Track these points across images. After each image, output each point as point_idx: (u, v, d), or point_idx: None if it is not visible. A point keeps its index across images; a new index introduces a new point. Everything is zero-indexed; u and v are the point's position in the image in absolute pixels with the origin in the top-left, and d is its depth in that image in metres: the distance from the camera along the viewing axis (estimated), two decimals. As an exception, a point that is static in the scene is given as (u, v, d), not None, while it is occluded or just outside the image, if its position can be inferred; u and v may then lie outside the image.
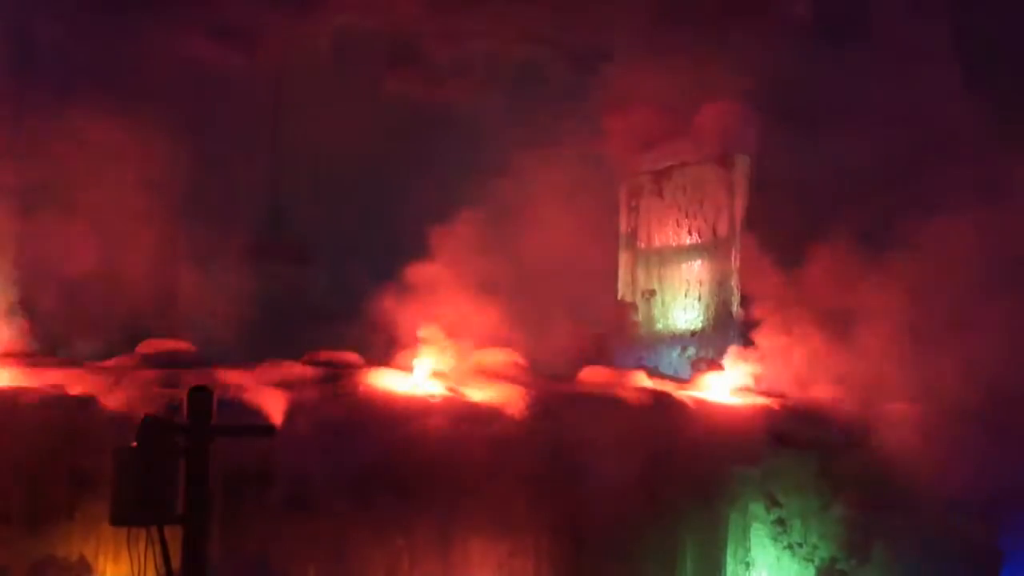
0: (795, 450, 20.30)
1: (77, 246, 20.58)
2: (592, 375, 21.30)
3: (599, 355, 22.22)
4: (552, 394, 20.03)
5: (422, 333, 20.34)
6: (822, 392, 21.09)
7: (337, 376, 19.76)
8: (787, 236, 22.35)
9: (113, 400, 18.50)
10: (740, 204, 23.71)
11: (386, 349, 20.61)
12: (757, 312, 22.29)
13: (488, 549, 18.69)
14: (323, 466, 18.24)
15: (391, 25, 25.23)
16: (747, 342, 22.22)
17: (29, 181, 20.84)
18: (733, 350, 22.20)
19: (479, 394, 19.87)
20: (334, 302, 23.93)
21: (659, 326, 24.28)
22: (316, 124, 24.48)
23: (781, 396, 21.31)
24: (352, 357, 20.53)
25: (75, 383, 18.83)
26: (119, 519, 13.06)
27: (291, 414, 18.67)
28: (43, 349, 19.97)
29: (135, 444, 13.11)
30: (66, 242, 20.74)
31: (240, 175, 23.88)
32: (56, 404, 18.18)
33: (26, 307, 20.05)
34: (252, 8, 24.13)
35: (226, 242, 23.89)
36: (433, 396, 19.66)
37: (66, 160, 20.98)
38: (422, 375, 20.11)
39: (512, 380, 20.26)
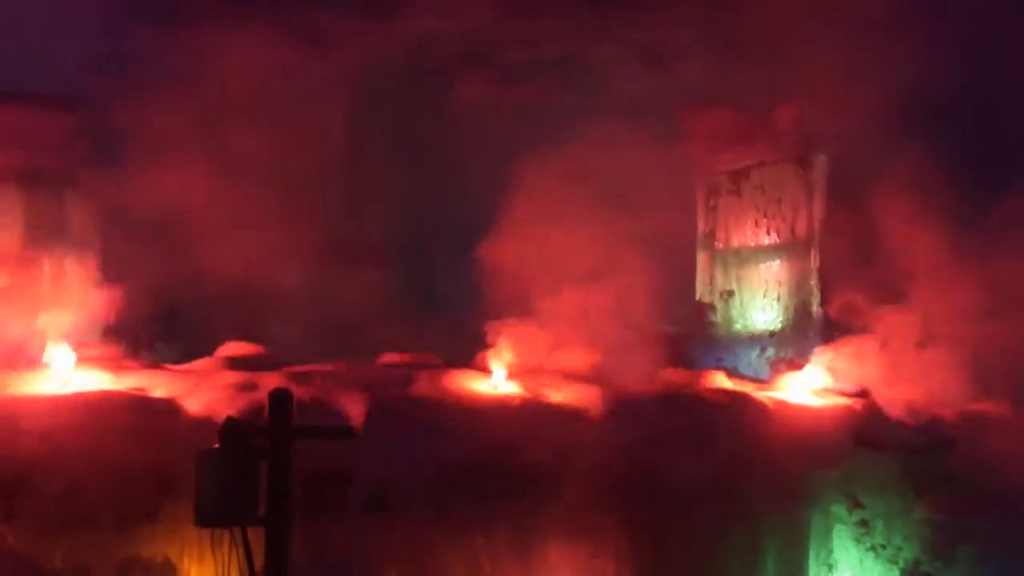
0: (877, 451, 20.13)
1: (158, 249, 20.76)
2: (670, 376, 21.21)
3: (677, 356, 22.12)
4: (631, 395, 19.97)
5: (500, 334, 20.35)
6: (905, 392, 20.88)
7: (415, 377, 19.81)
8: (868, 235, 22.15)
9: (195, 403, 18.66)
10: (819, 203, 23.56)
11: (464, 350, 20.64)
12: (837, 312, 22.11)
13: (568, 551, 18.66)
14: (403, 468, 18.29)
15: (464, 28, 25.27)
16: (827, 342, 22.04)
17: (113, 184, 21.06)
18: (813, 350, 22.04)
19: (558, 395, 19.84)
20: (411, 303, 24.02)
21: (737, 327, 24.16)
22: (391, 126, 24.57)
23: (863, 396, 21.13)
24: (430, 358, 20.58)
25: (157, 386, 19.02)
26: (203, 520, 13.20)
27: (370, 415, 18.74)
28: (126, 352, 20.16)
29: (217, 446, 13.23)
30: (147, 245, 20.93)
31: (317, 177, 23.99)
32: (139, 407, 18.37)
33: (110, 310, 20.25)
34: (327, 12, 24.25)
35: (304, 244, 24.01)
36: (512, 397, 19.66)
37: (147, 163, 21.17)
38: (500, 376, 20.11)
39: (591, 381, 20.22)
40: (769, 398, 20.75)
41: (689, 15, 24.18)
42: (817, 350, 22.02)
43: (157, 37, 22.25)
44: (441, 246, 24.26)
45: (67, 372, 19.24)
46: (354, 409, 18.91)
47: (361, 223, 24.79)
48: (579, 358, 20.95)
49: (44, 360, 19.54)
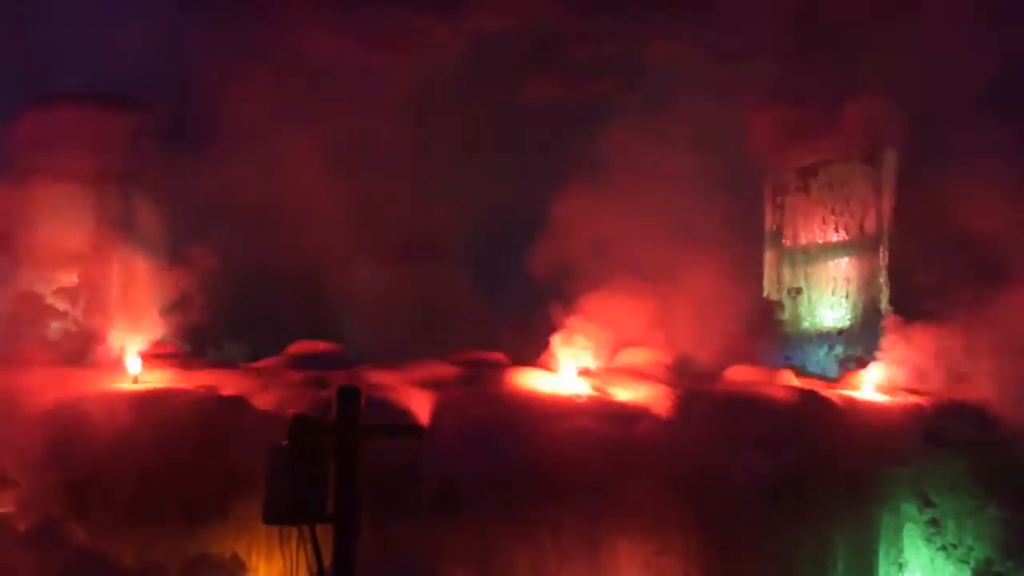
0: (948, 449, 19.93)
1: (227, 247, 20.88)
2: (738, 374, 21.12)
3: (745, 354, 22.00)
4: (698, 393, 19.89)
5: (567, 333, 20.32)
6: (976, 390, 20.67)
7: (483, 376, 19.82)
8: (939, 232, 21.95)
9: (263, 400, 18.78)
10: (888, 200, 23.39)
11: (532, 348, 20.64)
12: (907, 309, 21.92)
13: (635, 548, 18.61)
14: (470, 466, 18.30)
15: (530, 26, 25.25)
16: (896, 340, 21.85)
17: (181, 183, 21.19)
18: (882, 348, 21.86)
19: (625, 393, 19.80)
20: (478, 301, 24.04)
21: (805, 324, 24.00)
22: (458, 125, 24.59)
23: (933, 394, 20.93)
24: (497, 356, 20.59)
25: (226, 384, 19.15)
26: (271, 518, 13.21)
27: (437, 414, 18.76)
28: (195, 350, 20.31)
29: (286, 444, 13.26)
30: (216, 243, 21.04)
31: (385, 176, 24.04)
32: (208, 405, 18.50)
33: (179, 310, 20.39)
34: (394, 12, 24.31)
35: (373, 242, 24.09)
36: (579, 396, 19.64)
37: (216, 163, 21.29)
38: (568, 375, 20.08)
39: (658, 379, 20.16)
40: (838, 396, 20.61)
41: (755, 12, 24.04)
42: (886, 347, 21.83)
43: (227, 38, 22.37)
44: (509, 244, 24.24)
45: (137, 370, 19.41)
46: (421, 407, 18.95)
47: (429, 222, 24.82)
48: (646, 356, 20.90)
49: (115, 358, 19.73)
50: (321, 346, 20.55)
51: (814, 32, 23.56)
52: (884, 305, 23.24)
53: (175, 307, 20.22)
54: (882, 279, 23.38)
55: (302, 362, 19.98)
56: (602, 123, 24.46)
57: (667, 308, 21.08)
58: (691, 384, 20.21)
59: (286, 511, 13.06)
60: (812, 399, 20.18)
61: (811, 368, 23.01)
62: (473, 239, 24.74)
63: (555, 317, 20.60)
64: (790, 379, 21.05)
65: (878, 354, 21.88)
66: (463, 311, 23.68)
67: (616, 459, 18.72)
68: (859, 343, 23.14)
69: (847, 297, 23.70)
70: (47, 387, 18.60)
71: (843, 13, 23.41)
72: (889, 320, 22.66)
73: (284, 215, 21.74)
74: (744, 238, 23.85)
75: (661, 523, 18.64)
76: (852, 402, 20.53)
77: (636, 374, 20.40)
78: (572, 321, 20.46)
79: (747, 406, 19.66)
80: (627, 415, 19.42)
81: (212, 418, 18.25)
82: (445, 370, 20.09)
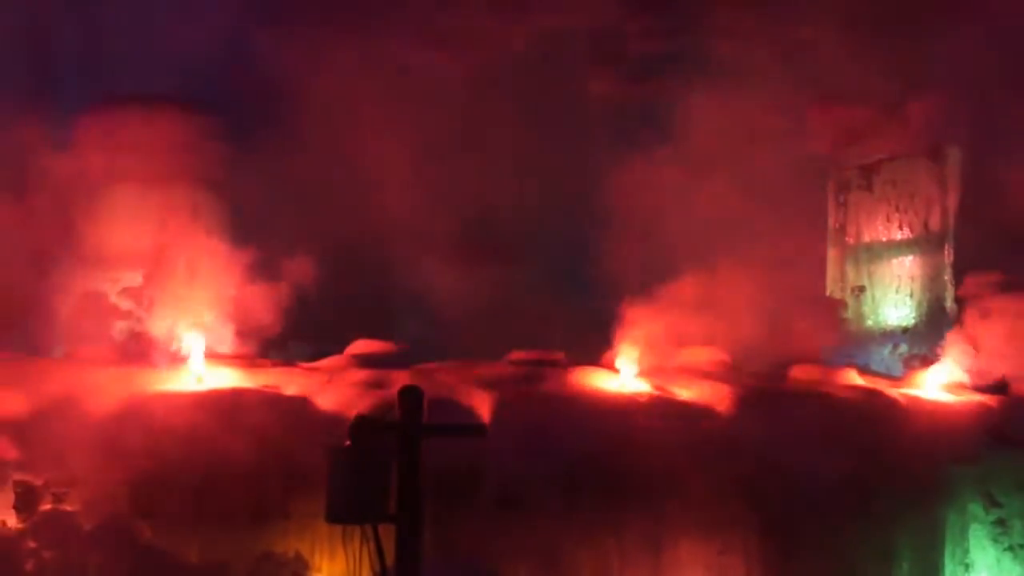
0: (1015, 448, 19.73)
1: (290, 247, 20.97)
2: (801, 373, 21.00)
3: (808, 353, 21.88)
4: (760, 392, 19.80)
5: (629, 332, 20.28)
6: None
7: (544, 375, 19.81)
8: (1004, 228, 21.76)
9: (326, 400, 18.86)
10: (953, 198, 23.22)
11: (593, 347, 20.61)
12: (973, 307, 21.74)
13: (698, 548, 18.55)
14: (531, 465, 18.30)
15: (592, 24, 25.22)
16: (962, 338, 21.67)
17: (246, 187, 21.33)
18: (947, 346, 21.68)
19: (686, 392, 19.73)
20: (540, 300, 24.03)
21: (869, 323, 23.87)
22: (520, 124, 24.59)
23: (999, 392, 20.73)
24: (558, 356, 20.57)
25: (289, 384, 19.25)
26: (334, 517, 13.28)
27: (499, 413, 18.77)
28: (259, 350, 20.41)
29: (348, 444, 13.32)
30: (279, 243, 21.15)
31: (446, 176, 24.09)
32: (272, 404, 18.61)
33: (243, 310, 20.50)
34: (457, 11, 24.35)
35: (434, 243, 24.14)
36: (640, 395, 19.60)
37: (279, 164, 21.41)
38: (629, 374, 20.04)
39: (719, 378, 20.08)
40: (902, 395, 20.45)
41: (819, 9, 23.91)
42: (951, 345, 21.65)
43: (293, 40, 22.50)
44: (572, 242, 24.23)
45: (202, 370, 19.54)
46: (482, 406, 18.97)
47: (492, 220, 24.84)
48: (707, 355, 20.83)
49: (181, 358, 19.87)
50: (383, 346, 20.60)
51: (877, 28, 23.40)
52: (949, 303, 23.07)
53: (240, 307, 20.32)
54: (947, 277, 23.22)
55: (364, 362, 20.04)
56: (664, 121, 24.42)
57: (730, 306, 21.00)
58: (754, 383, 20.11)
59: (349, 511, 13.13)
60: (876, 398, 20.05)
61: (875, 367, 22.87)
62: (536, 237, 24.74)
63: (617, 316, 20.55)
64: (854, 378, 20.91)
65: (943, 352, 21.70)
66: (526, 310, 23.68)
67: (678, 458, 18.65)
68: (924, 341, 22.99)
69: (911, 295, 23.56)
70: (112, 387, 18.76)
71: (907, 8, 23.24)
72: (954, 318, 22.51)
73: (348, 215, 21.82)
74: (807, 236, 23.75)
75: (724, 522, 18.56)
76: (917, 401, 20.37)
77: (698, 373, 20.33)
78: (634, 320, 20.40)
79: (810, 405, 19.55)
80: (689, 414, 19.36)
81: (275, 418, 18.35)
82: (507, 369, 20.10)
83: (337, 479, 13.13)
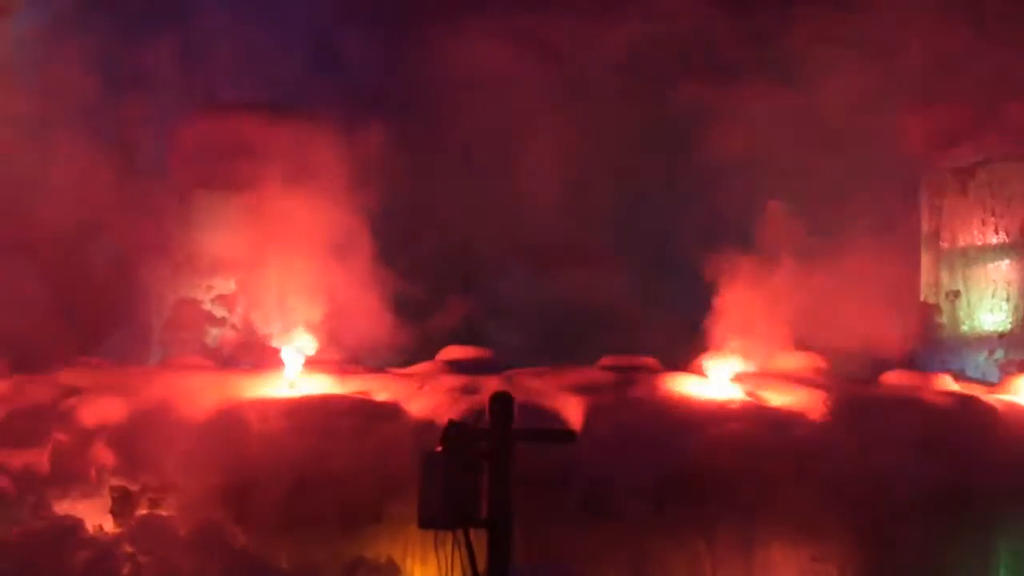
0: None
1: (381, 255, 21.11)
2: (894, 379, 20.80)
3: (902, 358, 21.67)
4: (854, 398, 19.62)
5: (720, 338, 20.19)
6: None
7: (635, 380, 19.77)
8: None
9: (417, 406, 18.95)
10: (1051, 201, 22.92)
11: (685, 353, 20.54)
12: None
13: (790, 555, 18.41)
14: (622, 471, 18.26)
15: (682, 29, 25.15)
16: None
17: (337, 192, 21.45)
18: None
19: (779, 399, 19.60)
20: (630, 305, 23.99)
21: (964, 328, 23.57)
22: (610, 128, 24.58)
23: (1100, 399, 20.42)
24: (649, 361, 20.52)
25: (381, 390, 19.35)
26: (426, 522, 13.36)
27: (589, 418, 18.76)
28: (350, 357, 20.55)
29: (440, 449, 13.38)
30: (364, 247, 21.28)
31: (533, 179, 24.12)
32: (363, 410, 18.73)
33: (335, 316, 20.65)
34: (547, 17, 24.39)
35: (523, 247, 24.18)
36: (732, 401, 19.49)
37: (368, 170, 21.52)
38: (720, 379, 19.94)
39: (812, 384, 19.93)
40: (999, 401, 20.16)
41: (910, 8, 23.68)
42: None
43: (384, 46, 22.64)
44: (661, 247, 24.16)
45: (295, 376, 19.71)
46: (572, 412, 18.97)
47: (582, 224, 24.84)
48: (801, 361, 20.68)
49: (272, 364, 20.04)
50: (474, 351, 20.67)
51: (972, 27, 23.15)
52: (1049, 308, 22.78)
53: (332, 313, 20.48)
54: (1046, 281, 22.92)
55: (455, 367, 20.12)
56: (753, 125, 24.30)
57: (822, 312, 20.84)
58: (847, 389, 19.94)
59: (441, 516, 13.20)
60: (972, 404, 19.78)
61: (970, 373, 22.59)
62: (626, 242, 24.70)
63: (708, 321, 20.47)
64: (949, 384, 20.66)
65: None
66: (616, 315, 23.64)
67: (770, 464, 18.53)
68: (1020, 347, 22.68)
69: (1007, 300, 23.25)
70: (206, 393, 18.98)
71: (1003, 6, 22.97)
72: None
73: (437, 219, 21.90)
74: (900, 241, 23.51)
75: (817, 529, 18.40)
76: (1014, 408, 20.07)
77: (790, 379, 20.19)
78: (725, 326, 20.31)
79: (905, 411, 19.33)
80: (781, 420, 19.22)
81: (367, 423, 18.47)
82: (597, 375, 20.08)
83: (429, 484, 13.20)
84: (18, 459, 18.32)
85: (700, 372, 20.17)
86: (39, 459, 18.36)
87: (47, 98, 22.59)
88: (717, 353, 20.11)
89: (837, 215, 22.31)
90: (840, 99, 23.48)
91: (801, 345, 20.82)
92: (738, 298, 20.62)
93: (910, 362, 21.81)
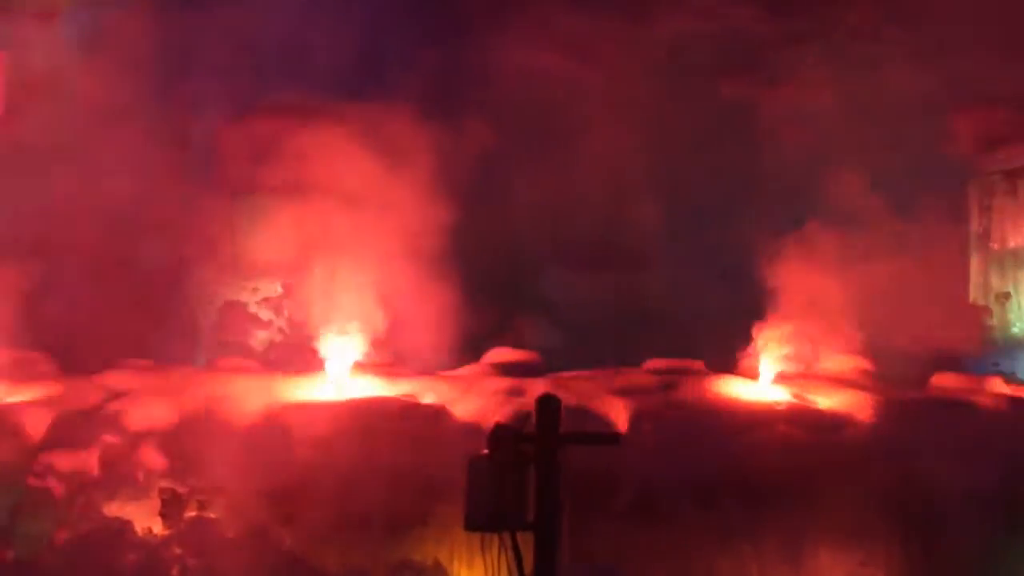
0: None
1: (427, 260, 21.10)
2: (944, 381, 20.65)
3: (951, 361, 21.51)
4: (902, 401, 19.50)
5: (766, 340, 20.11)
6: None
7: (681, 383, 19.71)
8: None
9: (463, 409, 18.96)
10: (1103, 201, 22.73)
11: (730, 355, 20.47)
12: None
13: (838, 558, 18.32)
14: (669, 473, 18.22)
15: (726, 28, 25.06)
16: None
17: (374, 193, 21.46)
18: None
19: (826, 401, 19.51)
20: (674, 307, 23.92)
21: (1015, 330, 23.42)
22: (653, 129, 24.50)
23: None
24: (695, 363, 20.46)
25: (427, 392, 19.38)
26: (472, 525, 13.31)
27: (635, 421, 18.74)
28: (396, 360, 20.56)
29: (486, 452, 13.36)
30: (410, 254, 21.27)
31: (576, 181, 24.08)
32: (409, 413, 18.76)
33: (382, 320, 20.67)
34: (589, 16, 24.35)
35: (568, 250, 24.15)
36: (778, 403, 19.41)
37: (417, 171, 21.54)
38: (767, 381, 19.86)
39: (860, 386, 19.82)
40: (1051, 404, 20.02)
41: (961, 8, 23.52)
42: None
43: (430, 49, 22.65)
44: (707, 248, 24.08)
45: (342, 379, 19.76)
46: (619, 415, 18.93)
47: (627, 226, 24.78)
48: (847, 363, 20.56)
49: (318, 367, 20.10)
50: (520, 354, 20.66)
51: (1022, 27, 22.98)
52: (1098, 309, 22.58)
53: (379, 317, 20.50)
54: (1096, 282, 22.72)
55: (502, 370, 20.12)
56: (799, 125, 24.19)
57: (870, 313, 20.72)
58: (895, 391, 19.82)
59: (487, 519, 13.16)
60: (1023, 407, 19.63)
61: (1021, 375, 22.43)
62: (671, 244, 24.62)
63: (754, 324, 20.39)
64: (999, 386, 20.51)
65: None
66: (661, 317, 23.58)
67: (818, 467, 18.46)
68: (1074, 349, 22.54)
69: (1059, 301, 23.10)
70: (253, 396, 19.05)
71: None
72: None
73: (482, 221, 21.88)
74: (949, 242, 23.35)
75: (865, 533, 18.30)
76: (1065, 410, 19.92)
77: (837, 381, 20.09)
78: (771, 328, 20.23)
79: (954, 414, 19.21)
80: (828, 423, 19.14)
81: (413, 427, 18.50)
82: (643, 378, 20.04)
83: (476, 487, 13.16)
84: (67, 461, 18.43)
85: (746, 374, 20.09)
86: (88, 461, 18.46)
87: (94, 102, 22.71)
88: (764, 355, 20.03)
89: (885, 217, 22.18)
90: (889, 101, 23.36)
91: (849, 347, 20.70)
92: (785, 300, 20.53)
93: (960, 364, 21.66)
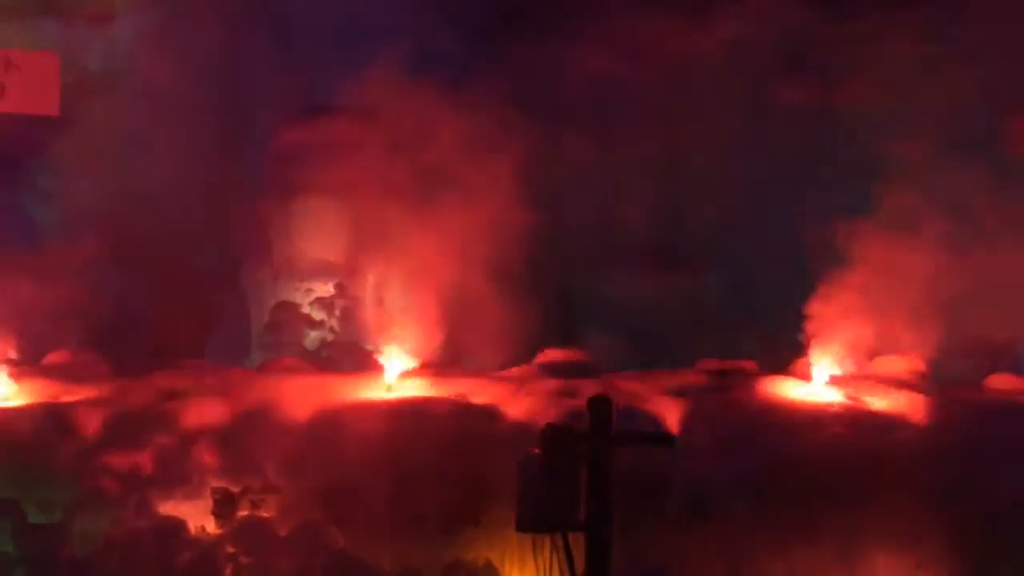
0: None
1: (467, 260, 21.12)
2: (999, 383, 20.49)
3: (1007, 362, 21.35)
4: (957, 402, 19.36)
5: (820, 341, 20.03)
6: None
7: (733, 384, 19.66)
8: None
9: (514, 409, 18.98)
10: None
11: (783, 356, 20.38)
12: None
13: (892, 560, 18.22)
14: (721, 474, 18.18)
15: (782, 30, 24.96)
16: None
17: (425, 194, 21.51)
18: None
19: (880, 402, 19.40)
20: (728, 309, 23.84)
21: (1073, 331, 23.15)
22: (708, 131, 24.43)
23: None
24: (748, 365, 20.39)
25: (478, 393, 19.40)
26: (524, 525, 13.33)
27: (687, 422, 18.70)
28: (447, 360, 20.60)
29: (538, 452, 13.37)
30: (462, 254, 21.29)
31: (633, 183, 24.05)
32: (462, 413, 18.79)
33: (430, 320, 20.72)
34: (642, 19, 24.30)
35: (620, 251, 24.11)
36: (832, 404, 19.32)
37: (466, 173, 21.57)
38: (820, 383, 19.77)
39: (914, 388, 19.70)
40: (1109, 406, 19.82)
41: (1016, 9, 23.33)
42: None
43: (477, 51, 22.66)
44: (760, 249, 23.98)
45: (392, 379, 19.81)
46: (671, 416, 18.90)
47: (678, 228, 24.72)
48: (902, 364, 20.43)
49: (372, 367, 20.17)
50: (572, 355, 20.65)
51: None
52: None
53: (427, 317, 20.55)
54: None
55: (553, 371, 20.11)
56: (855, 126, 24.05)
57: (924, 315, 20.58)
58: (950, 393, 19.67)
59: (539, 519, 13.17)
60: (1081, 408, 19.48)
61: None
62: (723, 245, 24.54)
63: (807, 325, 20.30)
64: (1056, 388, 20.35)
65: None
66: (713, 318, 23.51)
67: (872, 469, 18.37)
68: None
69: (1122, 302, 22.82)
70: (306, 395, 19.14)
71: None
72: None
73: (534, 221, 21.86)
74: (1007, 245, 23.13)
75: (920, 536, 18.19)
76: None
77: (891, 382, 19.97)
78: (824, 329, 20.13)
79: (1011, 416, 19.05)
80: (882, 424, 19.03)
81: (464, 427, 18.54)
82: (694, 378, 20.00)
83: (527, 488, 13.18)
84: (122, 460, 18.58)
85: (799, 376, 20.00)
86: (143, 461, 18.60)
87: (148, 104, 22.89)
88: (817, 356, 19.95)
89: (942, 217, 22.02)
90: (945, 102, 23.19)
91: (903, 349, 20.58)
92: (838, 301, 20.43)
93: (1015, 366, 21.49)
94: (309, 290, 23.25)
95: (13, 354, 20.19)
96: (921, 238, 21.56)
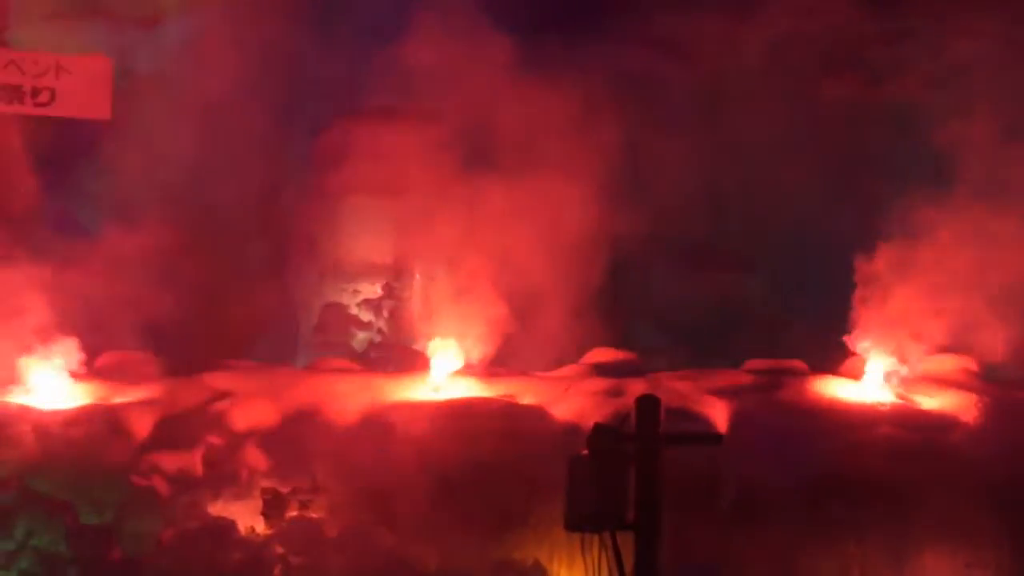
0: None
1: (515, 260, 21.12)
2: (1050, 381, 20.34)
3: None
4: (1009, 402, 19.22)
5: (870, 340, 19.92)
6: None
7: (782, 383, 19.59)
8: None
9: (562, 409, 18.99)
10: None
11: (832, 356, 20.29)
12: None
13: (943, 560, 18.11)
14: (771, 474, 18.12)
15: (827, 27, 24.85)
16: None
17: (471, 194, 21.53)
18: None
19: (930, 401, 19.29)
20: (775, 308, 23.76)
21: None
22: (753, 129, 24.36)
23: None
24: (796, 364, 20.31)
25: (526, 393, 19.41)
26: (573, 525, 13.33)
27: (735, 422, 18.66)
28: (494, 360, 20.61)
29: (586, 452, 13.36)
30: (507, 254, 21.31)
31: (677, 182, 23.99)
32: (509, 413, 18.81)
33: (477, 319, 20.74)
34: (688, 17, 24.26)
35: (668, 250, 24.07)
36: (882, 403, 19.23)
37: (507, 175, 21.55)
38: (870, 382, 19.67)
39: (965, 387, 19.57)
40: None
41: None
42: None
43: (520, 51, 22.66)
44: (808, 248, 23.88)
45: (441, 379, 19.84)
46: (718, 415, 18.86)
47: (724, 227, 24.66)
48: (953, 363, 20.29)
49: (419, 367, 20.20)
50: (620, 354, 20.64)
51: None
52: None
53: (474, 316, 20.56)
54: None
55: (601, 370, 20.10)
56: (902, 125, 23.92)
57: (975, 314, 20.43)
58: (1002, 392, 19.53)
59: (587, 519, 13.18)
60: None
61: None
62: (771, 243, 24.45)
63: (856, 324, 20.19)
64: (1111, 386, 20.16)
65: None
66: (761, 318, 23.43)
67: (922, 468, 18.27)
68: None
69: None
70: (354, 396, 19.21)
71: None
72: None
73: (581, 221, 21.86)
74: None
75: (971, 535, 18.06)
76: None
77: (942, 381, 19.84)
78: (875, 328, 20.02)
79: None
80: (933, 424, 18.93)
81: (513, 427, 18.55)
82: (743, 378, 19.94)
83: (576, 487, 13.18)
84: (172, 461, 18.68)
85: (849, 375, 19.90)
86: (192, 461, 18.70)
87: (197, 107, 23.00)
88: (867, 355, 19.84)
89: (992, 217, 21.85)
90: (994, 98, 23.01)
91: (954, 347, 20.44)
92: (888, 300, 20.31)
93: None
94: (356, 291, 23.34)
95: (78, 357, 20.22)
96: (973, 235, 21.41)
